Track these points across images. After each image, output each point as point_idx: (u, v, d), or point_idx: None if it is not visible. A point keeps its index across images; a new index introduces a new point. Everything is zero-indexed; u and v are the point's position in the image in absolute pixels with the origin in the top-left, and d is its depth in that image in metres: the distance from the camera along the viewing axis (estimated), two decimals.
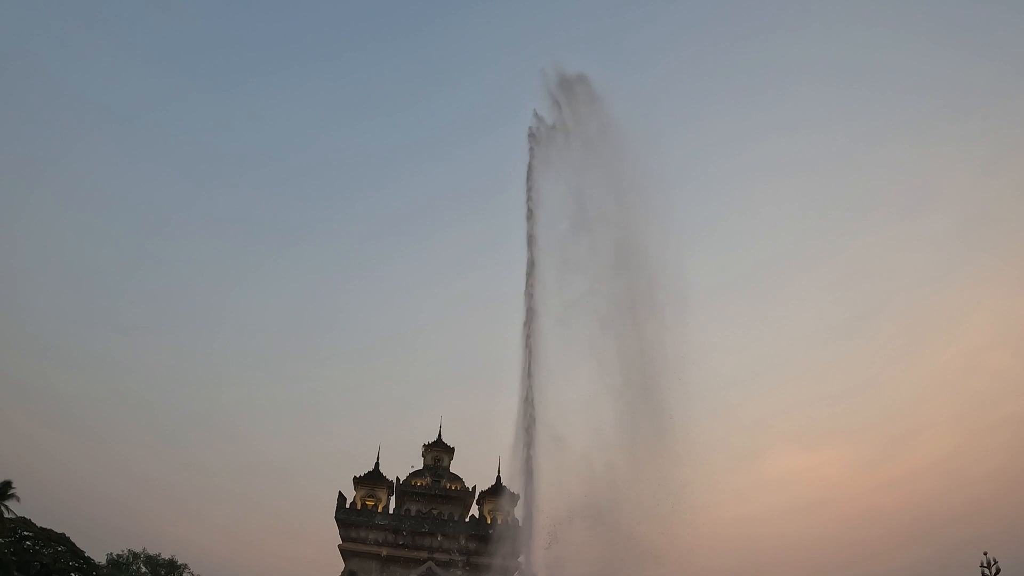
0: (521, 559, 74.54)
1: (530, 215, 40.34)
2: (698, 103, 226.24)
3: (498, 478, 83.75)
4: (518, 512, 78.58)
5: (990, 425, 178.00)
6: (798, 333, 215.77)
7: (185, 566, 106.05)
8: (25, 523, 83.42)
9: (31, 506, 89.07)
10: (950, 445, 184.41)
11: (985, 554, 54.95)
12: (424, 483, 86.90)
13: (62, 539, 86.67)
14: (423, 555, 79.35)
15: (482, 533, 79.10)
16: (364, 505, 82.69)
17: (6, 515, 78.13)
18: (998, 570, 55.19)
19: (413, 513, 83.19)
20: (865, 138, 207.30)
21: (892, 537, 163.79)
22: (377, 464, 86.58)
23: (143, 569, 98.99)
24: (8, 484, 78.47)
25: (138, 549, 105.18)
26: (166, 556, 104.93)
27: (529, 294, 34.19)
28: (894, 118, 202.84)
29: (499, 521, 76.00)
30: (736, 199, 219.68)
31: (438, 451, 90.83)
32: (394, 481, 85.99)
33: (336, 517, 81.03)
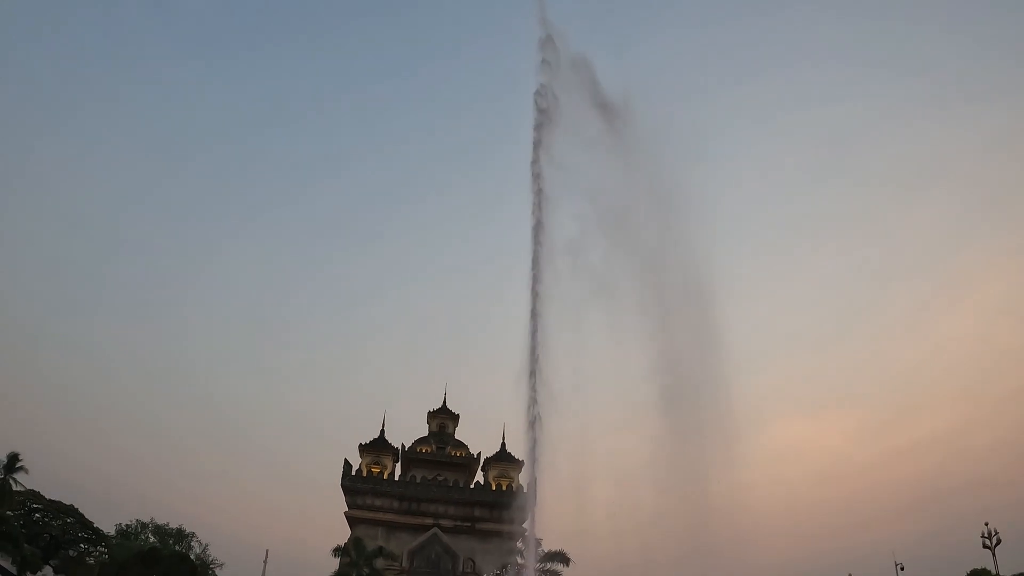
0: (526, 525, 75.39)
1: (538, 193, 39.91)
2: (710, 78, 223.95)
3: (503, 444, 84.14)
4: (523, 479, 79.30)
5: (997, 398, 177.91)
6: (806, 302, 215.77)
7: (193, 535, 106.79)
8: (34, 496, 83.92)
9: (38, 480, 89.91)
10: (956, 417, 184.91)
11: (986, 525, 55.58)
12: (429, 450, 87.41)
13: (71, 511, 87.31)
14: (429, 521, 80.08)
15: (487, 499, 79.59)
16: (370, 472, 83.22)
17: (15, 488, 78.48)
18: (999, 541, 55.81)
19: (419, 480, 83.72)
20: (878, 110, 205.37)
21: (895, 507, 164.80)
22: (382, 431, 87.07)
23: (151, 538, 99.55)
24: (16, 457, 78.51)
25: (146, 519, 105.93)
26: (174, 526, 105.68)
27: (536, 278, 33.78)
28: (906, 90, 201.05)
29: (504, 487, 76.40)
30: (741, 170, 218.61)
31: (443, 418, 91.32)
32: (399, 448, 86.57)
33: (342, 484, 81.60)
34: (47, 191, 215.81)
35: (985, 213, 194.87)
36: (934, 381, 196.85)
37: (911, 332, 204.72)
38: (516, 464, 74.30)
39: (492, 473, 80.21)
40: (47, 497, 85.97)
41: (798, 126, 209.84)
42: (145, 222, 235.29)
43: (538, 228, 39.27)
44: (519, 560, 68.55)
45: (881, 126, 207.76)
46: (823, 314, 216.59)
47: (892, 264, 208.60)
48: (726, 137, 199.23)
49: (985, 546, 55.80)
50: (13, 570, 69.19)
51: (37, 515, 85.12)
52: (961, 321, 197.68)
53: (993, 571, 59.60)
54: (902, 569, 51.09)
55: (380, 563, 70.24)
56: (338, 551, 70.61)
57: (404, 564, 77.47)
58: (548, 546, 67.20)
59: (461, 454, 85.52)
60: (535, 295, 36.77)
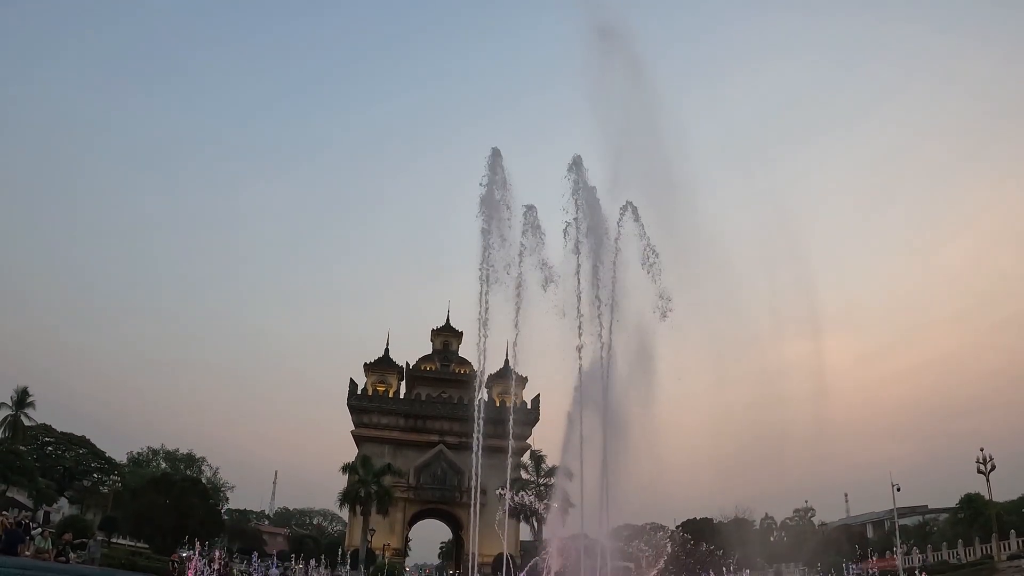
0: (529, 440, 76.19)
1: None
2: None
3: (506, 361, 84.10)
4: (526, 395, 79.75)
5: (995, 324, 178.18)
6: (806, 217, 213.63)
7: (203, 459, 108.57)
8: (46, 429, 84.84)
9: (49, 414, 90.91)
10: (954, 342, 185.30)
11: (981, 450, 55.68)
12: (433, 367, 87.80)
13: (83, 442, 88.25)
14: (434, 438, 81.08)
15: (491, 416, 79.99)
16: (375, 391, 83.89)
17: (26, 423, 79.30)
18: (993, 467, 56.08)
19: (423, 397, 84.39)
20: (887, 19, 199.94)
21: (891, 428, 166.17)
22: (387, 350, 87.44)
23: (162, 465, 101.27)
24: (25, 392, 79.18)
25: (156, 446, 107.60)
26: (184, 451, 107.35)
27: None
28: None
29: (507, 403, 76.77)
30: (746, 71, 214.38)
31: (446, 336, 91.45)
32: (404, 367, 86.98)
33: (348, 404, 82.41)
34: (60, 121, 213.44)
35: (991, 136, 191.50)
36: (933, 305, 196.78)
37: (911, 254, 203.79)
38: (519, 380, 74.50)
39: (496, 390, 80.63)
40: (58, 430, 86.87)
41: (801, 33, 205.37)
42: (183, 138, 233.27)
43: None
44: (523, 475, 69.45)
45: (887, 40, 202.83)
46: (822, 228, 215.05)
47: (894, 182, 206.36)
48: (730, 31, 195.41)
49: (980, 471, 56.18)
50: (29, 503, 70.25)
51: (50, 448, 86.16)
52: (961, 246, 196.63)
53: (987, 496, 60.22)
54: (898, 490, 51.40)
55: (387, 479, 71.35)
56: (346, 469, 71.61)
57: (411, 480, 78.73)
58: (551, 461, 67.97)
59: (465, 371, 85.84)
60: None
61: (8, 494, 68.64)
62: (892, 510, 57.02)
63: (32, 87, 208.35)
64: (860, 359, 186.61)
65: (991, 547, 59.32)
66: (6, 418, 77.05)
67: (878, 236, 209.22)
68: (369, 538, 67.75)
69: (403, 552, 78.91)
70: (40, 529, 48.78)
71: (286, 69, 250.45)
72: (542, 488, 64.75)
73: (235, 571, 53.97)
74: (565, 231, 28.36)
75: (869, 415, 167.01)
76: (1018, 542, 59.11)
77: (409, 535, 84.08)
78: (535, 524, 64.65)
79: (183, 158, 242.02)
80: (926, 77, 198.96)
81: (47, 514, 72.62)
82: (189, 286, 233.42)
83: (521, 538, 74.41)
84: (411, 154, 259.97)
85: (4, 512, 51.78)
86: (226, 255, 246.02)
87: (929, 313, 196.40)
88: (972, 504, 68.94)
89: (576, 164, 29.54)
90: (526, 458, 71.83)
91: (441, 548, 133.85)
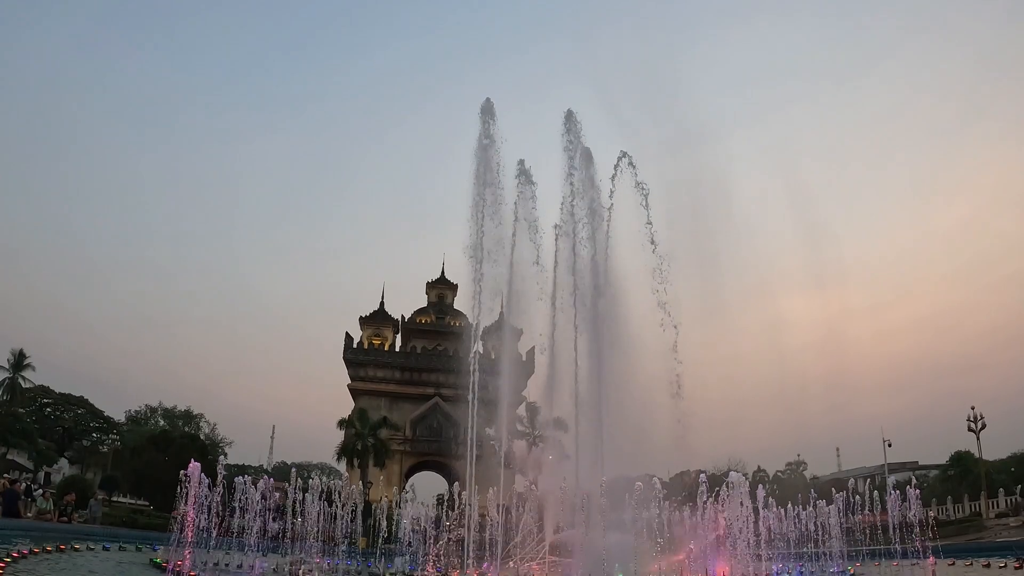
0: (525, 392, 76.51)
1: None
2: None
3: (501, 314, 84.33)
4: (521, 347, 79.91)
5: (992, 283, 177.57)
6: (806, 170, 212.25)
7: (201, 416, 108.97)
8: (44, 391, 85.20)
9: (46, 375, 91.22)
10: (949, 300, 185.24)
11: (972, 409, 56.15)
12: (429, 320, 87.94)
13: (81, 402, 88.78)
14: (430, 391, 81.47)
15: (486, 368, 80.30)
16: (371, 345, 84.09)
17: (24, 385, 79.63)
18: (983, 426, 56.65)
19: (419, 350, 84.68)
20: None
21: (885, 384, 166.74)
22: (382, 304, 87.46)
23: (161, 422, 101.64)
24: (22, 354, 79.37)
25: (154, 404, 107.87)
26: (182, 408, 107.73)
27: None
28: None
29: (502, 356, 76.98)
30: (744, 27, 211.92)
31: (441, 288, 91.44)
32: (399, 320, 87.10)
33: (344, 357, 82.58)
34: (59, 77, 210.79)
35: (992, 95, 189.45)
36: (930, 263, 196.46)
37: (909, 211, 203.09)
38: (515, 332, 74.53)
39: (491, 342, 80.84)
40: (56, 391, 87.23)
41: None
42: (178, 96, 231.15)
43: None
44: (519, 427, 69.91)
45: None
46: (822, 181, 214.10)
47: (893, 139, 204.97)
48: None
49: (971, 430, 56.72)
50: (29, 465, 70.87)
51: (48, 409, 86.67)
52: (960, 205, 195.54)
53: (977, 454, 60.87)
54: (890, 446, 51.98)
55: (384, 433, 71.96)
56: (343, 423, 72.15)
57: (407, 433, 79.34)
58: (546, 414, 68.39)
59: (460, 324, 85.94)
60: None
61: (8, 456, 69.22)
62: (883, 465, 57.78)
63: (22, 45, 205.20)
64: (854, 313, 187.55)
65: (980, 505, 60.22)
66: (4, 380, 77.37)
67: (876, 193, 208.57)
68: (367, 491, 68.48)
69: (400, 505, 79.64)
70: (41, 491, 49.29)
71: (278, 23, 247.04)
72: (537, 439, 65.34)
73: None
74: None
75: (861, 369, 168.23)
76: (1007, 500, 60.08)
77: (406, 487, 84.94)
78: (530, 476, 65.37)
79: (176, 114, 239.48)
80: (927, 34, 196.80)
81: (48, 475, 73.35)
82: (183, 243, 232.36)
83: (517, 490, 75.19)
84: (406, 105, 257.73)
85: (6, 475, 52.30)
86: (220, 211, 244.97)
87: (926, 270, 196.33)
88: (962, 462, 69.92)
89: (569, 119, 29.45)
90: (521, 410, 72.30)
91: (438, 500, 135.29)
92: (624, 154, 28.63)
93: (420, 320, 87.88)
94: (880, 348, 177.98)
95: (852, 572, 26.11)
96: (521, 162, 29.92)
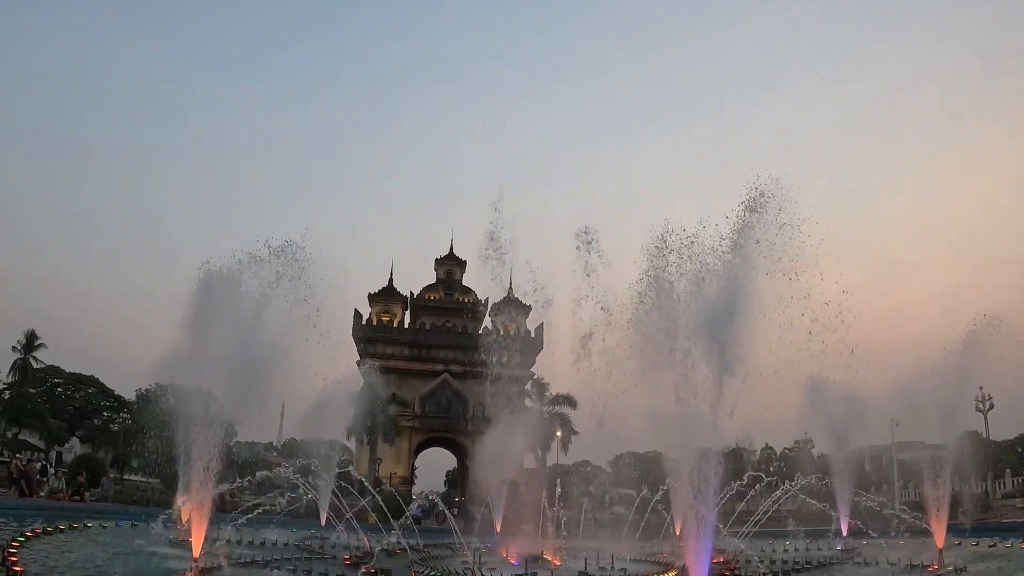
0: (534, 368, 76.59)
1: None
2: None
3: (510, 290, 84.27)
4: (530, 324, 79.85)
5: (999, 263, 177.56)
6: (810, 145, 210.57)
7: (211, 393, 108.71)
8: (55, 371, 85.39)
9: (57, 355, 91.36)
10: (953, 279, 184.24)
11: (980, 389, 55.55)
12: (437, 296, 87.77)
13: (92, 381, 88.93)
14: (439, 367, 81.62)
15: (495, 344, 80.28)
16: (380, 321, 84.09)
17: (35, 365, 79.95)
18: (991, 406, 56.26)
19: (427, 327, 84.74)
20: None
21: (886, 364, 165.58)
22: (391, 280, 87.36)
23: (171, 400, 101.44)
24: (34, 335, 79.68)
25: (165, 382, 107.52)
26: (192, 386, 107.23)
27: None
28: None
29: (511, 332, 76.91)
30: (743, 7, 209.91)
31: (450, 264, 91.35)
32: (408, 296, 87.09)
33: (354, 334, 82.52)
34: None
35: (1001, 75, 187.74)
36: (933, 242, 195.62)
37: (913, 190, 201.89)
38: (523, 309, 74.40)
39: (500, 318, 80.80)
40: (67, 371, 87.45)
41: None
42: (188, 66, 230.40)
43: None
44: (528, 403, 69.97)
45: None
46: (826, 156, 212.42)
47: (898, 117, 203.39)
48: None
49: (978, 410, 56.41)
50: (41, 445, 71.29)
51: (59, 389, 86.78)
52: (966, 184, 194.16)
53: (984, 435, 60.56)
54: (897, 425, 51.46)
55: (393, 410, 71.99)
56: (352, 400, 72.02)
57: (416, 410, 79.53)
58: (555, 389, 68.55)
59: (469, 300, 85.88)
60: None
61: (20, 436, 69.65)
62: (891, 444, 57.47)
63: (35, 21, 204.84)
64: (861, 292, 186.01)
65: (986, 485, 60.15)
66: (15, 362, 77.70)
67: (882, 174, 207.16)
68: (376, 467, 68.76)
69: (410, 480, 79.97)
70: (53, 470, 49.66)
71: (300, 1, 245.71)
72: (546, 416, 65.47)
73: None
74: None
75: (862, 349, 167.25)
76: (1013, 481, 59.96)
77: (415, 464, 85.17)
78: (539, 452, 65.63)
79: (190, 90, 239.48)
80: (935, 5, 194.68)
81: (59, 454, 73.82)
82: (192, 220, 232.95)
83: (525, 466, 75.47)
84: (421, 85, 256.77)
85: (18, 455, 52.66)
86: (230, 188, 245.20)
87: (932, 250, 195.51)
88: (969, 442, 69.45)
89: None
90: (530, 386, 72.33)
91: (447, 476, 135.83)
92: None
93: (429, 296, 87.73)
94: (882, 327, 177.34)
95: (857, 549, 25.98)
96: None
